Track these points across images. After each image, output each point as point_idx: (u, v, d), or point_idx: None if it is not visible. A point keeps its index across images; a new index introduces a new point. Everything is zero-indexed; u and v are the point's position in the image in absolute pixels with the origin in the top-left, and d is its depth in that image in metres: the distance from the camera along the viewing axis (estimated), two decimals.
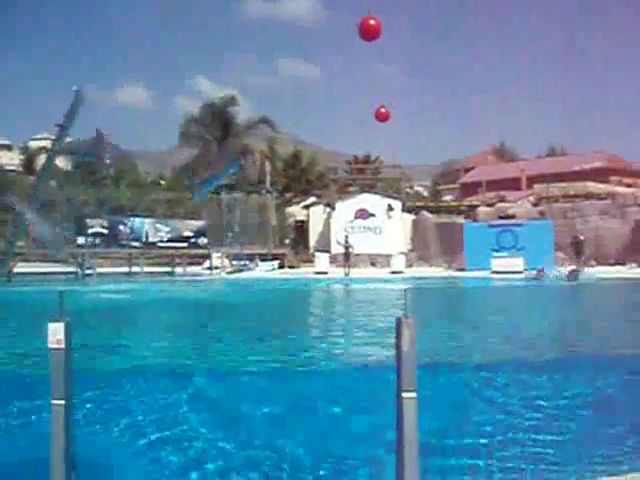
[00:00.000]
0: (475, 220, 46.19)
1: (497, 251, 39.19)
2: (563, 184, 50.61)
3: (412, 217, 48.79)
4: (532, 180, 58.61)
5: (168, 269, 41.36)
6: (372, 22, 14.76)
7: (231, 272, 40.78)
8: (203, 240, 41.75)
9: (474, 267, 38.01)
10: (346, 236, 42.10)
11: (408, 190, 69.76)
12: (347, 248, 40.30)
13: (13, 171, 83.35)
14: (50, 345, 4.86)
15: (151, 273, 39.07)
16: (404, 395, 4.63)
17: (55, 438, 4.84)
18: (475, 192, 62.89)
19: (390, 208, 46.67)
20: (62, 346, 4.85)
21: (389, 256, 42.39)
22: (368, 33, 14.73)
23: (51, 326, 4.86)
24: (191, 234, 41.54)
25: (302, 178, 68.43)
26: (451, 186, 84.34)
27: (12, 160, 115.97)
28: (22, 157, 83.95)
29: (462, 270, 39.39)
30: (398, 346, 4.66)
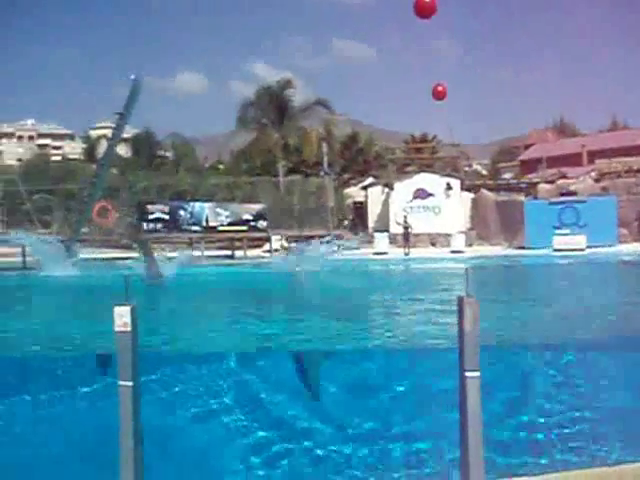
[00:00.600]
0: (536, 198, 45.48)
1: (559, 229, 38.57)
2: (626, 159, 49.44)
3: (471, 196, 48.28)
4: (594, 155, 57.47)
5: (228, 252, 41.75)
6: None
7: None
8: (262, 223, 41.99)
9: (535, 245, 37.49)
10: (405, 216, 42.01)
11: (466, 168, 68.97)
12: (406, 228, 40.23)
13: (76, 159, 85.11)
14: (117, 328, 4.97)
15: (212, 257, 39.48)
16: (467, 374, 4.61)
17: (123, 418, 4.95)
18: (535, 169, 61.92)
19: (449, 187, 46.24)
20: (128, 329, 4.95)
21: (449, 235, 42.08)
22: (423, 10, 14.51)
23: (117, 310, 4.96)
24: (250, 217, 41.81)
25: (359, 159, 68.24)
26: (510, 164, 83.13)
27: (74, 149, 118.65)
28: (84, 146, 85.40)
29: (523, 248, 38.89)
30: (460, 326, 4.63)
